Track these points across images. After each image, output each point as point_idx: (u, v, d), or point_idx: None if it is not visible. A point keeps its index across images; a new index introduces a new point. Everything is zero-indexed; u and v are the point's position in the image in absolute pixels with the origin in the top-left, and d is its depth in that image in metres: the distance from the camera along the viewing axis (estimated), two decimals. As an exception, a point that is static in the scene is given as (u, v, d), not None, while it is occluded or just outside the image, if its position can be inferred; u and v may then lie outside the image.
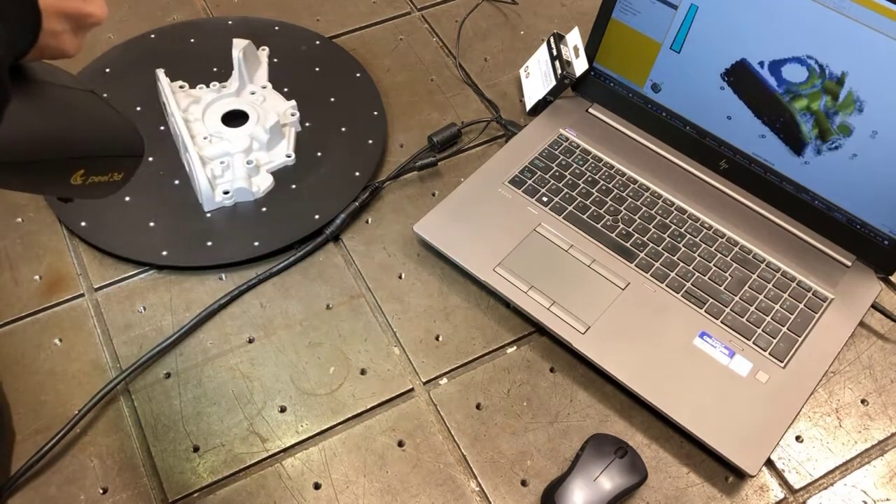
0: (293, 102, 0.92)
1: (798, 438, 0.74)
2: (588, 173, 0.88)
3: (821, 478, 0.72)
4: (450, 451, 0.72)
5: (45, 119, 0.44)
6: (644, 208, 0.85)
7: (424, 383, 0.76)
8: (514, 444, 0.72)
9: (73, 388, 0.74)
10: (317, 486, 0.70)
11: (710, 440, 0.70)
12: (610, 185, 0.87)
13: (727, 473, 0.72)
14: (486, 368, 0.77)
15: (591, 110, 0.94)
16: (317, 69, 0.98)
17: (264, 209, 0.85)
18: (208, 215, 0.84)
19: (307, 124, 0.92)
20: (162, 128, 0.91)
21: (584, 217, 0.84)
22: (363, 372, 0.76)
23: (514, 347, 0.78)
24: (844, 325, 0.78)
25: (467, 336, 0.79)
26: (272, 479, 0.70)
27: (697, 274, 0.81)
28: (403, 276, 0.83)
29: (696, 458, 0.72)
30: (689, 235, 0.83)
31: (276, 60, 0.97)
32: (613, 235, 0.83)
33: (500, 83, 1.00)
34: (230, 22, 1.02)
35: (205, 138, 0.87)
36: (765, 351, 0.76)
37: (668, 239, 0.83)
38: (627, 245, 0.82)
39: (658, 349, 0.75)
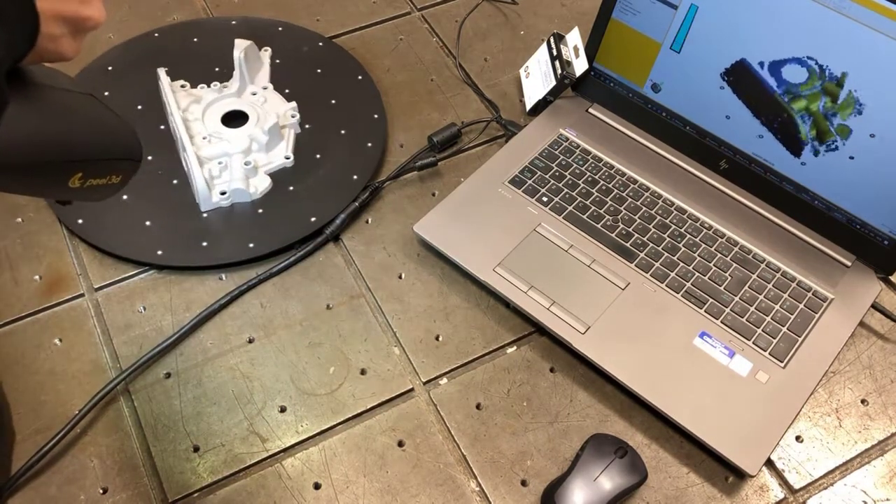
0: (293, 104, 0.91)
1: (798, 438, 0.74)
2: (588, 173, 0.88)
3: (821, 478, 0.72)
4: (450, 451, 0.72)
5: (43, 122, 0.44)
6: (644, 208, 0.85)
7: (424, 383, 0.76)
8: (514, 444, 0.72)
9: (73, 388, 0.74)
10: (317, 486, 0.70)
11: (710, 440, 0.70)
12: (610, 185, 0.87)
13: (727, 473, 0.72)
14: (486, 368, 0.77)
15: (591, 110, 0.94)
16: (318, 71, 0.98)
17: (261, 210, 0.85)
18: (205, 215, 0.84)
19: (307, 126, 0.92)
20: (162, 127, 0.91)
21: (584, 217, 0.84)
22: (363, 372, 0.76)
23: (514, 347, 0.78)
24: (844, 325, 0.78)
25: (467, 336, 0.79)
26: (272, 479, 0.70)
27: (697, 274, 0.81)
28: (403, 276, 0.83)
29: (696, 458, 0.72)
30: (689, 235, 0.83)
31: (278, 61, 0.98)
32: (613, 235, 0.83)
33: (500, 83, 1.00)
34: (234, 22, 1.02)
35: (204, 138, 0.87)
36: (765, 351, 0.76)
37: (668, 239, 0.83)
38: (627, 245, 0.82)
39: (658, 349, 0.75)
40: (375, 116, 0.94)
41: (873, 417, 0.76)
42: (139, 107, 0.92)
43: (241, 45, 0.91)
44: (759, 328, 0.77)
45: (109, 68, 0.96)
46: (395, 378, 0.76)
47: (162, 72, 0.91)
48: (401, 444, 0.72)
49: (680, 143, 0.89)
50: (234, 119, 0.89)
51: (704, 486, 0.71)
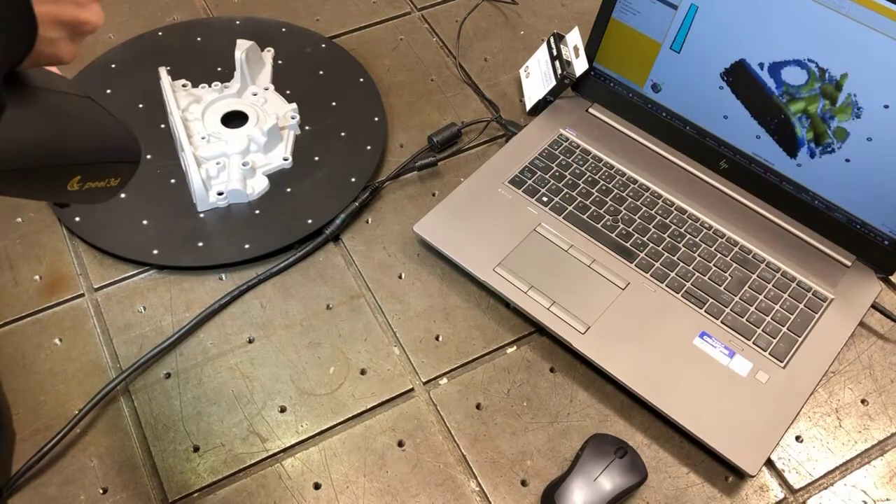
0: (294, 105, 0.91)
1: (798, 438, 0.74)
2: (588, 173, 0.88)
3: (821, 478, 0.72)
4: (450, 451, 0.72)
5: (40, 126, 0.44)
6: (644, 208, 0.85)
7: (424, 383, 0.76)
8: (514, 444, 0.72)
9: (73, 388, 0.74)
10: (317, 486, 0.70)
11: (710, 440, 0.70)
12: (610, 185, 0.87)
13: (727, 473, 0.72)
14: (486, 368, 0.77)
15: (591, 110, 0.94)
16: (320, 72, 0.98)
17: (258, 212, 0.85)
18: (201, 216, 0.84)
19: (307, 127, 0.92)
20: (163, 126, 0.91)
21: (584, 217, 0.84)
22: (363, 372, 0.76)
23: (514, 347, 0.78)
24: (844, 325, 0.78)
25: (467, 336, 0.79)
26: (272, 479, 0.70)
27: (697, 274, 0.81)
28: (403, 276, 0.83)
29: (696, 458, 0.72)
30: (689, 235, 0.83)
31: (280, 62, 0.97)
32: (613, 235, 0.83)
33: (500, 83, 1.00)
34: (237, 22, 1.02)
35: (203, 138, 0.87)
36: (765, 351, 0.76)
37: (668, 239, 0.83)
38: (627, 245, 0.82)
39: (658, 349, 0.75)
40: (376, 119, 0.94)
41: (873, 417, 0.76)
42: (140, 105, 0.93)
43: (242, 46, 0.91)
44: (759, 328, 0.77)
45: (113, 66, 0.96)
46: (395, 378, 0.76)
47: (163, 71, 0.91)
48: (401, 444, 0.72)
49: (680, 143, 0.89)
50: (234, 119, 0.89)
51: (704, 486, 0.71)
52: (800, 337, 0.77)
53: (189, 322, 0.77)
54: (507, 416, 0.74)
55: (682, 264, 0.81)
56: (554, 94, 0.93)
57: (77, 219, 0.83)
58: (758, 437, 0.71)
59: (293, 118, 0.91)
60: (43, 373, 0.75)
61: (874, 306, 0.81)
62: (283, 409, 0.73)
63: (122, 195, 0.85)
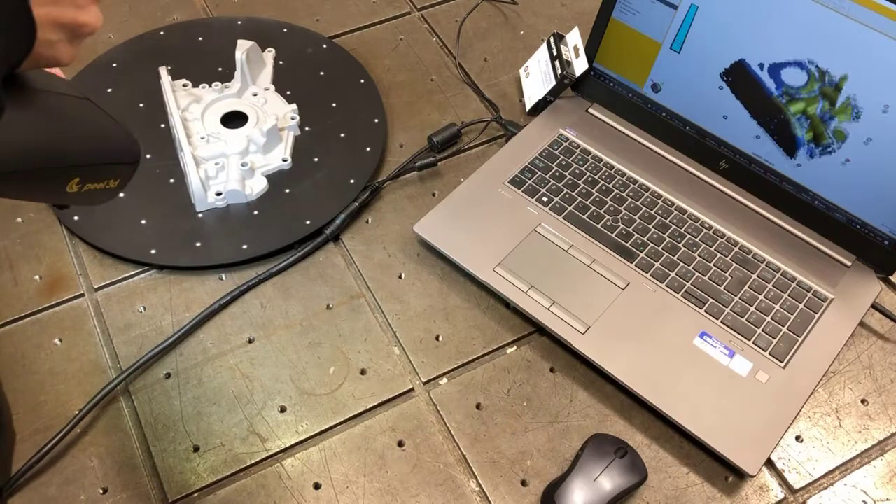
0: (294, 106, 0.91)
1: (798, 438, 0.74)
2: (588, 173, 0.88)
3: (821, 478, 0.72)
4: (450, 451, 0.72)
5: (39, 129, 0.44)
6: (644, 208, 0.85)
7: (424, 383, 0.76)
8: (514, 444, 0.72)
9: (73, 388, 0.74)
10: (317, 486, 0.70)
11: (709, 440, 0.70)
12: (610, 185, 0.87)
13: (727, 473, 0.72)
14: (486, 368, 0.77)
15: (591, 110, 0.94)
16: (321, 73, 0.97)
17: (256, 212, 0.85)
18: (200, 216, 0.84)
19: (307, 128, 0.92)
20: (163, 125, 0.91)
21: (584, 217, 0.84)
22: (363, 372, 0.76)
23: (514, 347, 0.78)
24: (844, 325, 0.78)
25: (467, 336, 0.79)
26: (272, 479, 0.70)
27: (697, 274, 0.81)
28: (403, 276, 0.83)
29: (696, 458, 0.72)
30: (689, 235, 0.83)
31: (281, 62, 0.97)
32: (613, 235, 0.83)
33: (500, 83, 1.00)
34: (239, 22, 1.02)
35: (202, 138, 0.87)
36: (765, 351, 0.76)
37: (668, 239, 0.83)
38: (627, 245, 0.82)
39: (658, 349, 0.75)
40: (376, 121, 0.94)
41: (873, 417, 0.76)
42: (141, 104, 0.93)
43: (243, 46, 0.91)
44: (759, 328, 0.77)
45: (114, 65, 0.96)
46: (395, 378, 0.76)
47: (163, 70, 0.91)
48: (401, 444, 0.72)
49: (680, 143, 0.89)
50: (234, 120, 0.89)
51: (704, 486, 0.71)
52: (800, 337, 0.77)
53: (189, 322, 0.77)
54: (507, 416, 0.74)
55: (682, 264, 0.81)
56: (554, 94, 0.93)
57: (76, 217, 0.83)
58: (758, 437, 0.71)
59: (293, 119, 0.90)
60: (43, 373, 0.75)
61: (874, 306, 0.81)
62: (283, 409, 0.73)
63: (121, 194, 0.85)
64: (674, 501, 0.70)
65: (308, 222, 0.84)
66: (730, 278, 0.80)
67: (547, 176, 0.87)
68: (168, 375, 0.75)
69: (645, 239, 0.83)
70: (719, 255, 0.82)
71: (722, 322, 0.77)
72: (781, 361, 0.75)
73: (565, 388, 0.76)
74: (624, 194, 0.86)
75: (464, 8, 1.08)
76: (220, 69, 0.96)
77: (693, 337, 0.76)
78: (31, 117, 0.43)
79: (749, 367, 0.75)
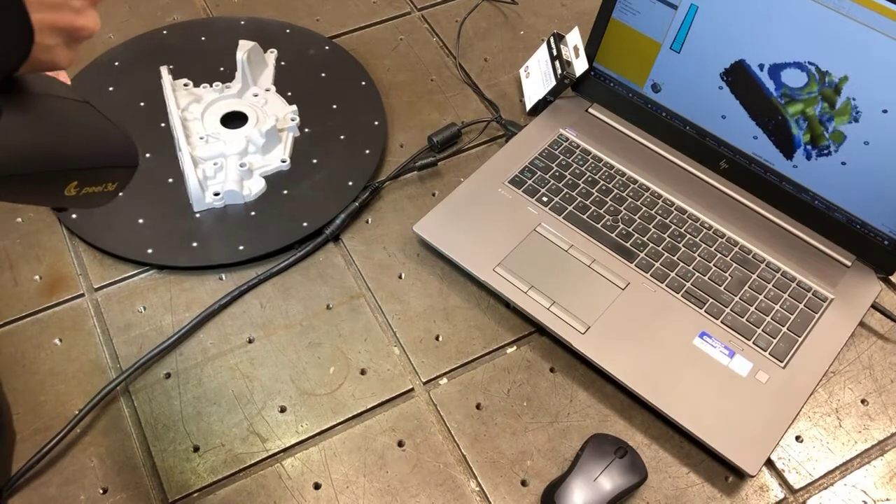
0: (294, 107, 0.91)
1: (798, 438, 0.74)
2: (588, 173, 0.88)
3: (821, 478, 0.72)
4: (450, 451, 0.72)
5: (37, 132, 0.44)
6: (644, 208, 0.85)
7: (424, 383, 0.76)
8: (514, 444, 0.72)
9: (73, 388, 0.74)
10: (317, 486, 0.70)
11: (709, 440, 0.70)
12: (610, 185, 0.87)
13: (727, 473, 0.72)
14: (486, 368, 0.77)
15: (591, 110, 0.94)
16: (322, 75, 0.97)
17: (254, 213, 0.85)
18: (197, 216, 0.84)
19: (307, 130, 0.92)
20: (163, 125, 0.91)
21: (584, 217, 0.84)
22: (363, 372, 0.76)
23: (514, 347, 0.78)
24: (844, 325, 0.78)
25: (467, 336, 0.79)
26: (272, 479, 0.70)
27: (697, 274, 0.81)
28: (403, 276, 0.83)
29: (696, 458, 0.72)
30: (689, 235, 0.83)
31: (283, 63, 0.97)
32: (613, 235, 0.83)
33: (500, 83, 1.00)
34: (242, 22, 1.02)
35: (201, 138, 0.87)
36: (765, 351, 0.76)
37: (668, 239, 0.83)
38: (627, 245, 0.82)
39: (658, 349, 0.75)
40: (376, 123, 0.93)
41: (873, 417, 0.76)
42: (142, 104, 0.93)
43: (244, 47, 0.91)
44: (759, 328, 0.77)
45: (116, 63, 0.96)
46: (395, 378, 0.76)
47: (164, 69, 0.91)
48: (401, 444, 0.72)
49: (680, 143, 0.89)
50: (234, 120, 0.89)
51: (704, 486, 0.71)
52: (800, 337, 0.77)
53: (189, 322, 0.77)
54: (507, 416, 0.74)
55: (682, 264, 0.81)
56: (554, 94, 0.93)
57: (74, 216, 0.83)
58: (758, 437, 0.71)
59: (293, 120, 0.90)
60: (43, 373, 0.75)
61: (874, 306, 0.81)
62: (283, 409, 0.73)
63: (120, 193, 0.85)
64: (674, 501, 0.70)
65: (305, 224, 0.84)
66: (730, 278, 0.80)
67: (547, 176, 0.87)
68: (168, 375, 0.75)
69: (645, 239, 0.83)
70: (719, 255, 0.82)
71: (722, 322, 0.77)
72: (781, 361, 0.75)
73: (565, 388, 0.76)
74: (624, 194, 0.86)
75: (464, 8, 1.08)
76: (221, 69, 0.96)
77: (693, 337, 0.76)
78: (29, 121, 0.43)
79: (749, 367, 0.75)
